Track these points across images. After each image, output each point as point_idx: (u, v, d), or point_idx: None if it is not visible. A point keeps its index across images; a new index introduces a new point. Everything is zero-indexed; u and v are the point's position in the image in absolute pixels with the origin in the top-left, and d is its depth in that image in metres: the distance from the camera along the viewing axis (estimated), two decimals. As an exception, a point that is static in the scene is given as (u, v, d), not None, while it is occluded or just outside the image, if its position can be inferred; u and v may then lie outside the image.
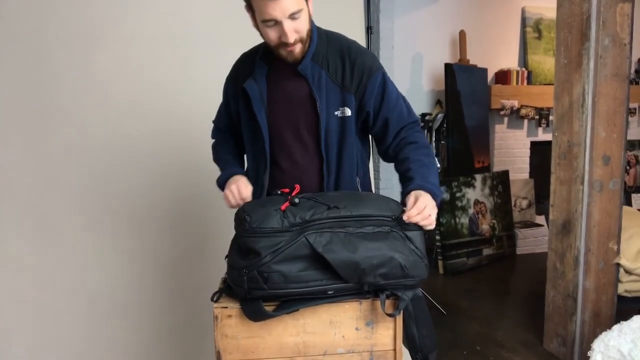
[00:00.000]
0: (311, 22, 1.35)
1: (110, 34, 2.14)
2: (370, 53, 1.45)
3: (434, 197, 1.27)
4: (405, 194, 1.30)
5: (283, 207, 1.16)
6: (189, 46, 2.26)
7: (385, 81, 1.41)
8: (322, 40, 1.39)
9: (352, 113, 1.39)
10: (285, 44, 1.28)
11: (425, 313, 1.26)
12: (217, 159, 1.60)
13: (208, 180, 2.31)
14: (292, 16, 1.24)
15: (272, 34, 1.27)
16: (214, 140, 1.64)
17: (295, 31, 1.26)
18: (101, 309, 2.17)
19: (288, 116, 1.41)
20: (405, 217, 1.20)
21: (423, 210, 1.22)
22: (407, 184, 1.32)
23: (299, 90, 1.38)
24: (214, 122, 1.65)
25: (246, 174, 1.50)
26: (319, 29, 1.41)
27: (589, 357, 1.73)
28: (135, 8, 2.17)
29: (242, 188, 1.39)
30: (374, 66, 1.40)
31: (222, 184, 1.47)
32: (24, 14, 2.01)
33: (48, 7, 2.04)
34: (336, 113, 1.39)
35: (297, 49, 1.30)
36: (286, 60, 1.33)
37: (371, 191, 1.62)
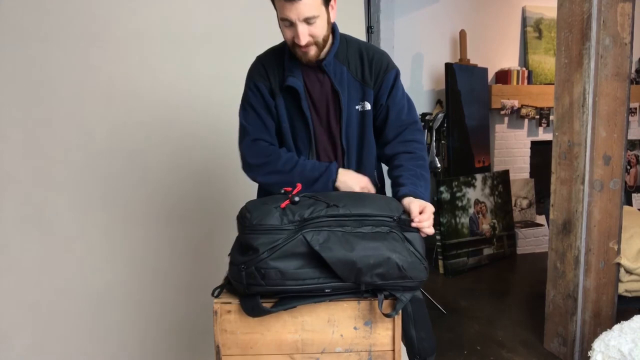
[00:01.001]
0: (331, 27, 1.41)
1: (111, 33, 2.14)
2: (386, 53, 1.53)
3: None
4: (399, 198, 1.32)
5: (283, 205, 1.17)
6: (191, 45, 2.26)
7: (396, 78, 1.50)
8: (342, 42, 1.48)
9: (371, 107, 1.48)
10: (299, 45, 1.33)
11: (425, 316, 1.26)
12: (293, 169, 1.42)
13: (210, 178, 2.33)
14: (308, 20, 1.30)
15: (288, 33, 1.34)
16: (278, 158, 1.44)
17: (309, 35, 1.32)
18: (102, 307, 2.18)
19: (317, 112, 1.47)
20: (416, 220, 1.22)
21: (430, 217, 1.26)
22: (401, 189, 1.35)
23: (324, 87, 1.46)
24: (257, 138, 1.46)
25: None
26: (340, 33, 1.48)
27: (589, 357, 1.73)
28: (137, 7, 2.18)
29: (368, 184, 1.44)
30: (390, 64, 1.50)
31: (334, 177, 1.42)
32: (24, 12, 2.01)
33: (49, 5, 2.04)
34: (357, 107, 1.47)
35: (312, 51, 1.36)
36: (301, 60, 1.40)
37: (384, 188, 1.64)
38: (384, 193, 1.62)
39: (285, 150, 1.48)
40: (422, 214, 1.24)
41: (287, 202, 1.18)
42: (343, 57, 1.46)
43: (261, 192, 1.58)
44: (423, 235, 1.24)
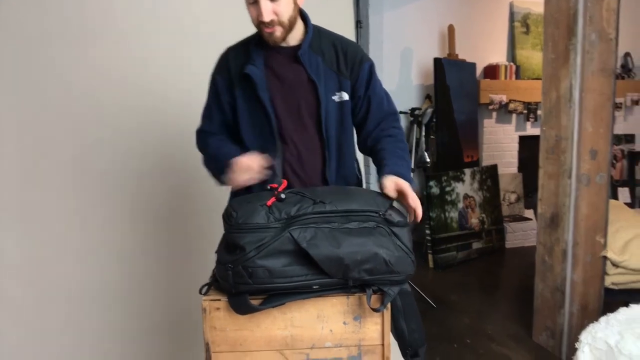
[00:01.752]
0: (301, 14, 1.43)
1: (107, 32, 2.13)
2: (359, 46, 1.55)
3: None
4: (384, 175, 1.33)
5: (269, 203, 1.16)
6: (186, 45, 2.25)
7: (372, 70, 1.50)
8: (315, 33, 1.47)
9: (348, 98, 1.47)
10: (264, 25, 1.34)
11: (414, 308, 1.26)
12: (212, 155, 1.48)
13: (199, 178, 2.30)
14: None
15: (253, 12, 1.35)
16: (206, 146, 1.52)
17: (273, 12, 1.32)
18: (91, 305, 2.16)
19: (288, 102, 1.45)
20: (391, 194, 1.26)
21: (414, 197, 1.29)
22: (385, 169, 1.36)
23: (298, 77, 1.44)
24: (200, 129, 1.55)
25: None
26: (312, 24, 1.48)
27: (576, 349, 1.75)
28: (135, 6, 2.17)
29: (249, 159, 1.34)
30: (365, 56, 1.50)
31: (222, 168, 1.38)
32: (23, 12, 1.99)
33: (46, 4, 2.02)
34: (334, 98, 1.45)
35: (277, 32, 1.36)
36: (268, 42, 1.39)
37: (362, 181, 1.65)
38: (361, 186, 1.63)
39: (217, 140, 1.49)
40: (408, 197, 1.26)
41: (273, 199, 1.18)
42: (317, 47, 1.45)
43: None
44: (416, 220, 1.27)
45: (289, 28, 1.37)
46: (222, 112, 1.50)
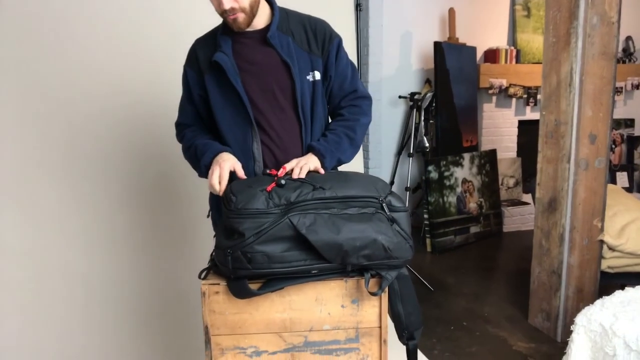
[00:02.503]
0: None
1: (100, 32, 2.13)
2: (327, 22, 1.54)
3: (320, 157, 1.41)
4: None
5: (269, 188, 1.17)
6: (174, 39, 2.23)
7: (340, 47, 1.51)
8: (282, 14, 1.48)
9: (320, 77, 1.48)
10: (226, 12, 1.35)
11: (411, 291, 1.28)
12: (192, 148, 1.48)
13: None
14: None
15: (214, 1, 1.36)
16: (182, 139, 1.55)
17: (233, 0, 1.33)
18: (89, 292, 2.18)
19: (262, 85, 1.44)
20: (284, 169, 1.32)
21: (295, 165, 1.34)
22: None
23: (269, 59, 1.43)
24: (177, 122, 1.58)
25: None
26: (279, 6, 1.49)
27: (571, 331, 1.77)
28: (131, 6, 2.16)
29: (224, 171, 1.34)
30: (333, 33, 1.51)
31: (209, 164, 1.41)
32: (20, 11, 2.00)
33: (44, 4, 2.02)
34: (308, 77, 1.46)
35: (240, 18, 1.37)
36: (233, 29, 1.40)
37: None
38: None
39: (191, 132, 1.52)
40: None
41: (273, 184, 1.18)
42: (286, 28, 1.45)
43: None
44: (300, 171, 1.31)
45: (251, 13, 1.38)
46: (193, 105, 1.52)
